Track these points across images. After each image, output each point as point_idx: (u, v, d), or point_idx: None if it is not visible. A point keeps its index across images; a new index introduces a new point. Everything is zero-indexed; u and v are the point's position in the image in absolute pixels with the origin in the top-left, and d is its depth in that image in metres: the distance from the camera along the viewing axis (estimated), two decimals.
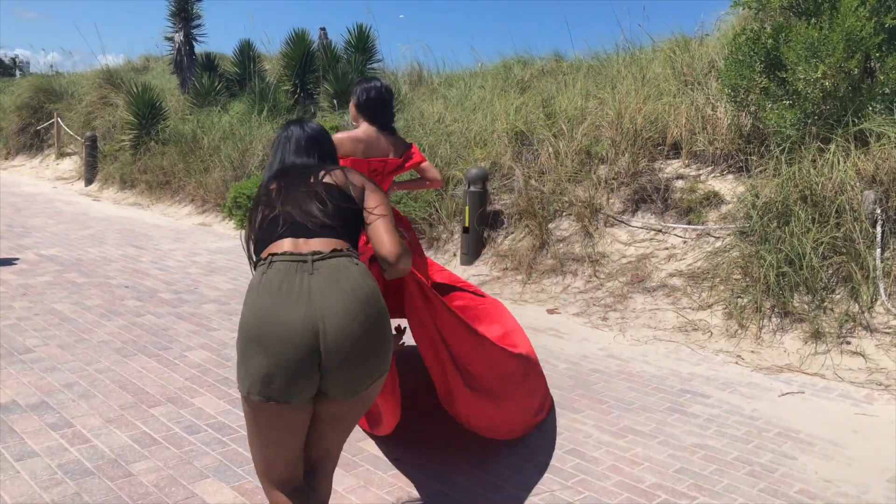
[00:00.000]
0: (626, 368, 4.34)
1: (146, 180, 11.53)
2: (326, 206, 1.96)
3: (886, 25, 5.34)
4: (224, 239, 8.51)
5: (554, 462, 3.06)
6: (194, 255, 7.42)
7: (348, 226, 1.99)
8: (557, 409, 3.66)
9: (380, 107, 3.36)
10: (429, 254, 7.10)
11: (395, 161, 3.39)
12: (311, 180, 2.02)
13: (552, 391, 3.90)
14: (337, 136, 3.31)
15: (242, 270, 6.63)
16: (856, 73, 5.31)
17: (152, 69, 20.12)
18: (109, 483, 2.74)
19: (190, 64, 14.34)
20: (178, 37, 14.51)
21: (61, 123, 15.52)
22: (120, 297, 5.54)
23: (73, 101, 16.34)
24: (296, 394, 1.80)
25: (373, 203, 2.03)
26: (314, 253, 1.87)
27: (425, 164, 3.53)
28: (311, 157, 2.15)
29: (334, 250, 1.89)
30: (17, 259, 6.65)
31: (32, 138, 16.96)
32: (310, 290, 1.80)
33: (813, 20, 5.65)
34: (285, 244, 1.90)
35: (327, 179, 2.03)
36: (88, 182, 13.17)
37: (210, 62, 14.35)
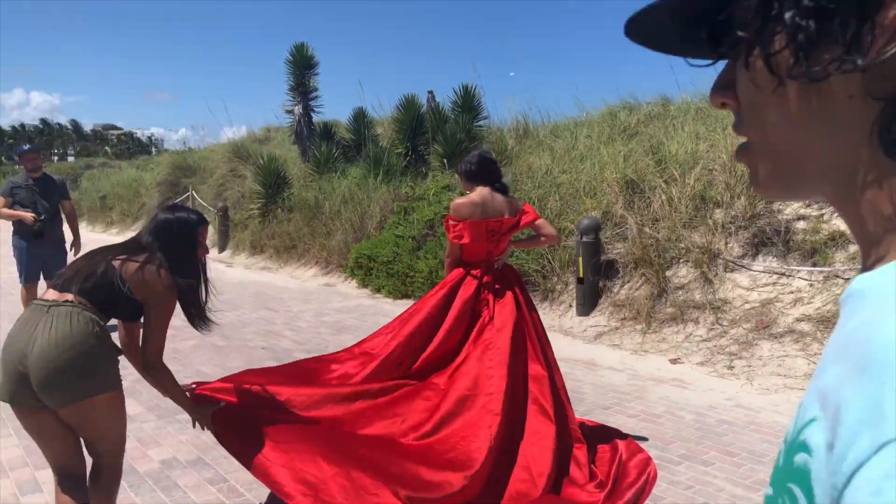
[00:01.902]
0: (756, 419, 4.24)
1: (274, 245, 12.30)
2: (90, 278, 2.47)
3: None
4: (348, 298, 8.94)
5: None
6: (322, 315, 7.84)
7: (103, 298, 2.48)
8: (686, 463, 3.63)
9: (484, 168, 3.59)
10: (544, 305, 7.19)
11: (510, 220, 3.57)
12: (110, 257, 2.54)
13: (682, 444, 3.87)
14: (456, 202, 3.54)
15: (368, 329, 6.95)
16: None
17: (273, 139, 21.54)
18: None
19: (309, 134, 15.29)
20: (298, 109, 15.52)
21: (196, 196, 16.84)
22: (258, 358, 5.96)
23: (206, 175, 17.75)
24: (14, 396, 2.35)
25: (149, 318, 2.57)
26: (54, 301, 2.42)
27: (540, 222, 3.68)
28: (152, 239, 2.61)
29: (66, 301, 2.42)
30: None
31: None
32: (36, 326, 2.34)
33: None
34: (49, 293, 2.51)
35: (117, 264, 2.51)
36: (222, 249, 14.17)
37: (327, 131, 15.23)
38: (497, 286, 3.56)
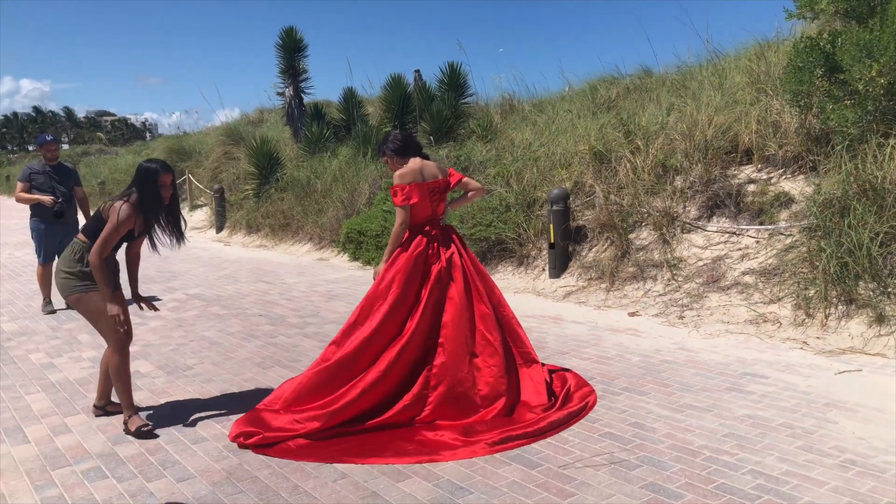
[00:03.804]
0: (696, 358, 4.81)
1: (269, 224, 12.83)
2: (92, 219, 3.92)
3: None
4: (340, 271, 9.49)
5: (616, 432, 3.62)
6: (315, 286, 8.40)
7: (93, 230, 3.82)
8: (626, 393, 4.20)
9: (409, 141, 4.13)
10: (520, 270, 7.74)
11: (444, 180, 4.13)
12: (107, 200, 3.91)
13: (625, 379, 4.43)
14: (399, 172, 4.04)
15: (358, 296, 7.50)
16: None
17: (266, 121, 21.96)
18: (262, 456, 3.55)
19: (300, 115, 15.73)
20: (289, 91, 15.94)
21: (192, 179, 17.32)
22: (256, 323, 6.51)
23: (201, 158, 18.21)
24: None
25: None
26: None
27: (465, 179, 4.26)
28: (132, 183, 3.86)
29: (77, 237, 3.92)
30: (157, 298, 7.83)
31: None
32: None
33: (869, 22, 5.93)
34: None
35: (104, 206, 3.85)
36: (219, 229, 14.70)
37: (318, 112, 15.66)
38: (444, 238, 4.10)
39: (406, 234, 4.12)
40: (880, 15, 5.71)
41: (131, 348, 5.70)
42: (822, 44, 6.21)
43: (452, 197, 4.47)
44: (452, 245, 4.11)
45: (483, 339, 3.92)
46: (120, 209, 3.70)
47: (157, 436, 3.83)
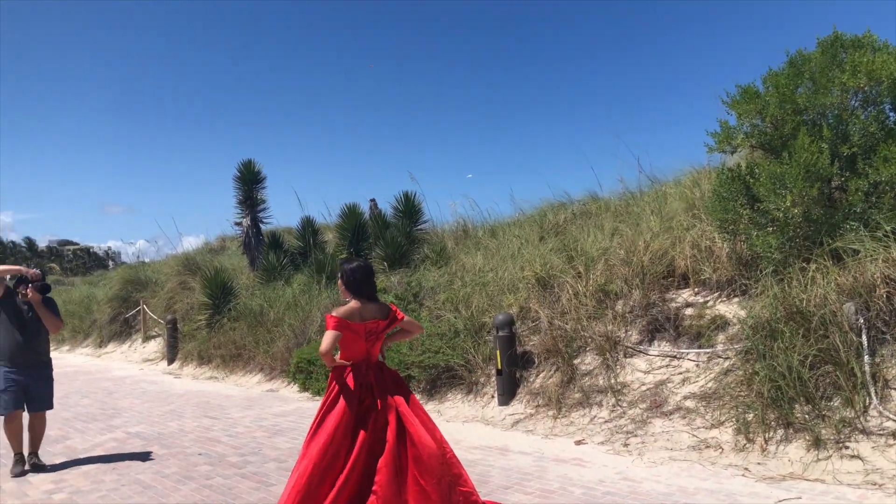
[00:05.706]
0: (638, 489, 4.73)
1: (220, 355, 12.61)
2: None
3: (845, 154, 5.97)
4: (289, 402, 9.28)
5: None
6: (261, 420, 8.17)
7: None
8: None
9: (363, 282, 4.16)
10: (469, 397, 7.67)
11: (383, 322, 4.17)
12: None
13: None
14: (341, 309, 4.07)
15: (302, 430, 7.30)
16: (819, 199, 5.88)
17: (228, 248, 22.02)
18: None
19: (258, 244, 15.85)
20: (246, 221, 16.13)
21: (147, 310, 17.11)
22: (194, 463, 6.27)
23: (157, 288, 18.05)
24: None
25: None
26: None
27: (406, 320, 4.32)
28: None
29: None
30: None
31: (122, 326, 18.64)
32: None
33: (784, 154, 6.33)
34: None
35: None
36: (171, 361, 14.38)
37: (276, 240, 15.81)
38: (378, 384, 4.06)
39: (347, 373, 4.08)
40: (790, 148, 6.10)
41: (57, 496, 5.44)
42: (742, 175, 6.58)
43: (390, 334, 4.49)
44: (387, 386, 4.09)
45: (416, 485, 3.83)
46: None
47: None
